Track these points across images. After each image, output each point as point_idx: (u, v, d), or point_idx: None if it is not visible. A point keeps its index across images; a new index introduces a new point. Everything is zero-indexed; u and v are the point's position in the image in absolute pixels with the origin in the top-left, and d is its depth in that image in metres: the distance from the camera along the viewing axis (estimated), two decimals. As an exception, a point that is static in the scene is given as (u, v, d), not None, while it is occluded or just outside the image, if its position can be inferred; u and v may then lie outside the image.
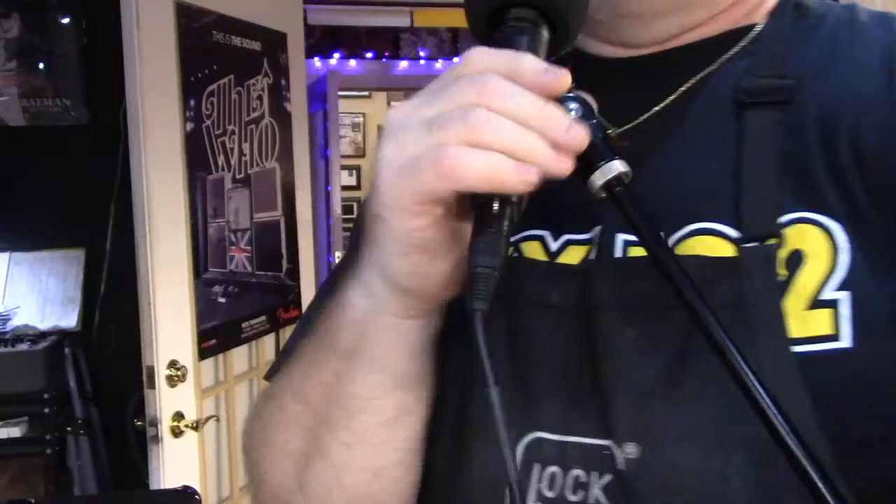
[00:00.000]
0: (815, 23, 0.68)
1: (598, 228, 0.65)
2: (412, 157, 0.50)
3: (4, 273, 3.03)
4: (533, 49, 0.53)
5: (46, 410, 2.78)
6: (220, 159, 2.52)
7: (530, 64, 0.51)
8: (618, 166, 0.53)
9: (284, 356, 0.74)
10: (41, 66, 2.90)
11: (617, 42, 0.70)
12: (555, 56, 0.56)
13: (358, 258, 0.60)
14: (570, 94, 0.53)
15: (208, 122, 2.46)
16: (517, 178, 0.49)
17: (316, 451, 0.65)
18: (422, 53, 5.76)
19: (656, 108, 0.67)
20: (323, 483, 0.65)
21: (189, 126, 2.38)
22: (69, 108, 2.93)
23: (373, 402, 0.62)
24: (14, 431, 2.76)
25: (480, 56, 0.52)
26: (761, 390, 0.48)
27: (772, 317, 0.56)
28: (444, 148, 0.49)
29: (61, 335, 2.97)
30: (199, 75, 2.43)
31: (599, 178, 0.53)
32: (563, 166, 0.51)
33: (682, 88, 0.67)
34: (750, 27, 0.68)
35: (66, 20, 2.92)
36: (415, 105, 0.52)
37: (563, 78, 0.51)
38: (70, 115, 2.95)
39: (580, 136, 0.50)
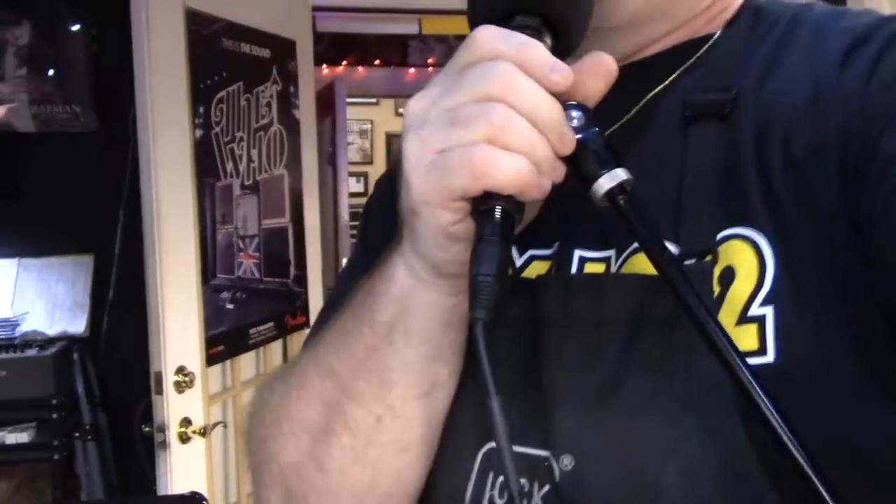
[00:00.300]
0: (769, 28, 0.68)
1: (557, 244, 0.66)
2: (440, 155, 0.51)
3: (13, 279, 3.04)
4: None
5: (54, 416, 2.78)
6: (229, 166, 2.53)
7: (539, 56, 0.51)
8: (621, 174, 0.53)
9: (311, 337, 0.74)
10: (51, 72, 2.91)
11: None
12: None
13: (399, 243, 0.61)
14: (572, 103, 0.53)
15: (217, 129, 2.47)
16: (537, 183, 0.51)
17: (342, 425, 0.65)
18: (430, 60, 5.77)
19: (618, 124, 0.67)
20: (346, 458, 0.65)
21: (198, 133, 2.38)
22: (79, 114, 2.95)
23: (409, 374, 0.63)
24: (22, 437, 2.77)
25: (490, 39, 0.52)
26: (768, 403, 0.48)
27: None
28: (474, 148, 0.49)
29: (70, 341, 2.98)
30: (209, 82, 2.44)
31: (603, 185, 0.53)
32: (561, 173, 0.52)
33: (641, 103, 0.67)
34: (708, 37, 0.69)
35: (75, 27, 2.94)
36: (434, 96, 0.53)
37: (568, 77, 0.51)
38: (79, 121, 2.96)
39: (572, 145, 0.52)
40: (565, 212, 0.63)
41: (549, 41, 0.55)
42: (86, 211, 3.05)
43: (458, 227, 0.53)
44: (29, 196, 3.05)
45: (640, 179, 0.59)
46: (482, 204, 0.51)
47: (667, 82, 0.67)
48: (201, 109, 2.40)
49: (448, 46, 4.62)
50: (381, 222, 0.76)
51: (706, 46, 0.68)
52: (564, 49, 0.56)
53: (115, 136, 2.88)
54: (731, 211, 0.59)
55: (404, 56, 5.88)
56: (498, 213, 0.50)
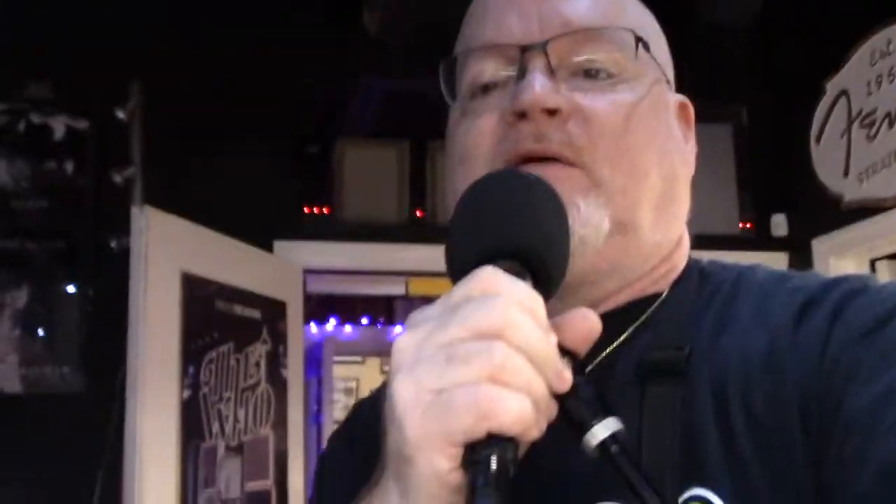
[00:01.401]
0: (715, 289, 0.71)
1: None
2: (440, 395, 0.48)
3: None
4: None
5: None
6: (215, 426, 2.49)
7: (537, 298, 0.52)
8: (613, 424, 0.53)
9: None
10: (40, 332, 2.95)
11: None
12: None
13: (379, 497, 0.55)
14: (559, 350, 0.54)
15: (206, 389, 2.47)
16: (537, 423, 0.49)
17: None
18: (416, 319, 5.89)
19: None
20: None
21: (186, 393, 2.38)
22: (66, 375, 2.94)
23: None
24: None
25: (494, 278, 0.51)
26: None
27: None
28: (478, 387, 0.47)
29: None
30: (200, 342, 2.48)
31: (597, 435, 0.52)
32: (554, 411, 0.51)
33: (596, 361, 0.68)
34: (656, 296, 0.72)
35: (71, 289, 3.01)
36: (426, 331, 0.50)
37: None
38: (65, 382, 2.95)
39: (568, 382, 0.51)
40: None
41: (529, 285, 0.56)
42: (63, 473, 2.95)
43: (454, 475, 0.49)
44: (4, 458, 2.96)
45: None
46: (477, 450, 0.47)
47: (620, 340, 0.70)
48: (191, 370, 2.41)
49: (434, 306, 4.73)
50: (338, 483, 0.75)
51: (656, 304, 0.72)
52: (544, 292, 0.57)
53: (101, 396, 2.86)
54: (692, 472, 0.60)
55: (390, 314, 6.01)
56: (494, 462, 0.47)
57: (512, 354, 0.48)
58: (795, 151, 3.38)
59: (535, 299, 0.52)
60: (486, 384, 0.47)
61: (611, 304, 0.72)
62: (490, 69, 0.72)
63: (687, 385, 0.63)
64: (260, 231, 3.04)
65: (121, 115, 2.65)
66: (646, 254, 0.72)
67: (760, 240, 3.60)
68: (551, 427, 0.52)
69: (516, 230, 0.57)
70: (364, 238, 3.30)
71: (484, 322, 0.49)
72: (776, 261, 3.52)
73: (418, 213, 3.43)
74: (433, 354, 0.49)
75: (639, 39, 0.71)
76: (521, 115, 0.68)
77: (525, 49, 0.69)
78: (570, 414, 0.53)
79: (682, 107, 0.79)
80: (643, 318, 0.71)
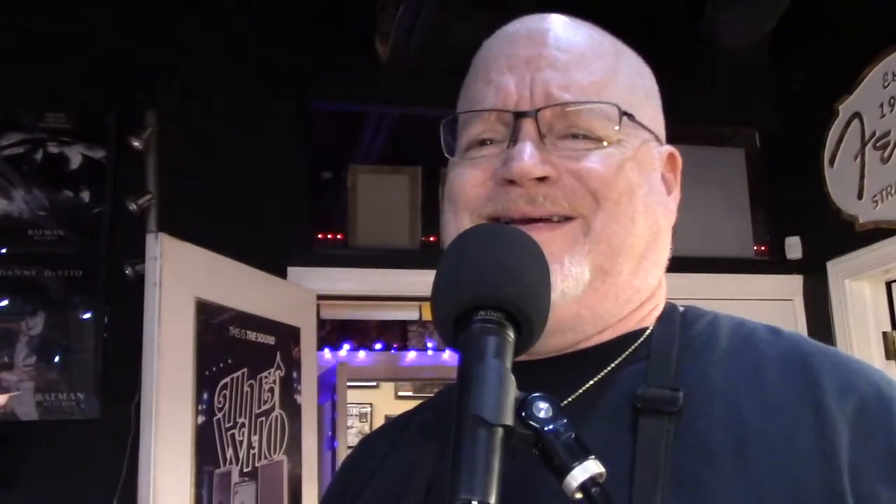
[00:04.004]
0: (707, 331, 0.76)
1: None
2: None
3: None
4: (500, 349, 0.56)
5: None
6: (229, 452, 2.49)
7: None
8: (593, 467, 0.54)
9: None
10: (56, 359, 2.96)
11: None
12: (518, 356, 0.59)
13: None
14: (539, 395, 0.56)
15: (220, 415, 2.47)
16: None
17: None
18: (429, 344, 5.89)
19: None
20: None
21: (200, 419, 2.38)
22: (81, 401, 2.95)
23: None
24: None
25: None
26: None
27: None
28: None
29: None
30: (214, 369, 2.48)
31: (577, 478, 0.53)
32: None
33: (579, 391, 0.73)
34: (642, 331, 0.77)
35: (87, 316, 3.03)
36: None
37: None
38: (80, 408, 2.96)
39: None
40: None
41: (511, 334, 0.58)
42: (79, 502, 2.95)
43: None
44: (19, 486, 2.97)
45: None
46: None
47: (607, 370, 0.74)
48: (205, 396, 2.42)
49: (447, 331, 4.72)
50: None
51: (642, 339, 0.76)
52: (526, 341, 0.60)
53: (116, 423, 2.86)
54: (685, 500, 0.62)
55: (404, 340, 6.01)
56: None
57: None
58: (809, 174, 3.37)
59: None
60: None
61: (593, 342, 0.76)
62: (488, 129, 0.78)
63: (682, 424, 0.67)
64: (273, 258, 3.05)
65: (136, 144, 2.67)
66: (624, 298, 0.76)
67: (775, 263, 3.58)
68: (533, 469, 0.55)
69: (500, 282, 0.60)
70: (377, 264, 3.30)
71: None
72: (791, 283, 3.50)
73: (431, 239, 3.44)
74: None
75: (623, 113, 0.76)
76: (511, 181, 0.74)
77: (518, 115, 0.75)
78: (551, 458, 0.54)
79: (670, 157, 0.84)
80: (628, 352, 0.75)
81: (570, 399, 0.72)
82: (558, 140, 0.76)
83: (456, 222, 0.77)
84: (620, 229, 0.74)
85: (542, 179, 0.73)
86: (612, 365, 0.74)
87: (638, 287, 0.77)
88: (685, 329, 0.76)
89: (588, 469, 0.53)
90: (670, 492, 0.62)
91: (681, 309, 0.80)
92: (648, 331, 0.76)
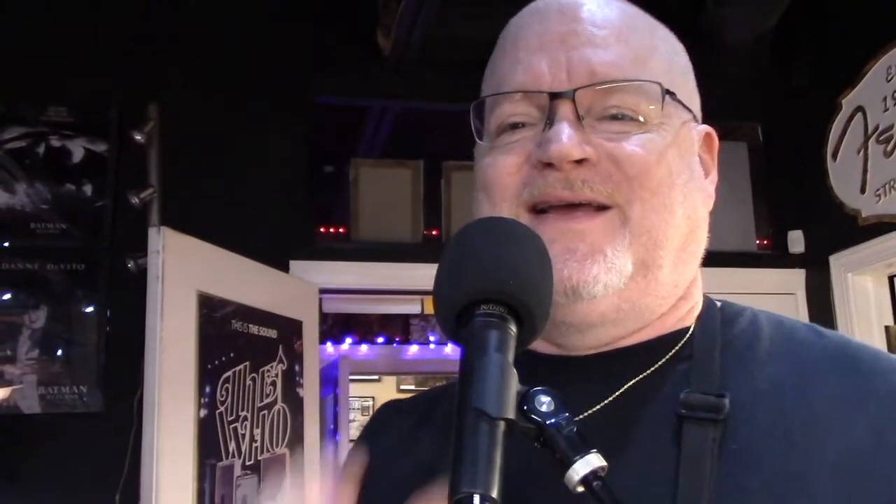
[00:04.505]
0: (749, 330, 0.74)
1: None
2: None
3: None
4: (502, 342, 0.56)
5: None
6: (231, 445, 2.50)
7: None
8: (594, 460, 0.54)
9: None
10: (59, 352, 2.97)
11: (557, 344, 0.75)
12: (520, 350, 0.58)
13: None
14: (541, 388, 0.56)
15: (222, 409, 2.48)
16: None
17: None
18: (431, 338, 5.89)
19: (593, 409, 0.70)
20: None
21: (203, 412, 2.39)
22: (84, 395, 2.96)
23: None
24: None
25: None
26: None
27: None
28: None
29: None
30: (216, 362, 2.49)
31: (578, 471, 0.54)
32: None
33: (619, 392, 0.70)
34: (683, 331, 0.74)
35: (89, 310, 3.04)
36: None
37: None
38: (83, 402, 2.97)
39: None
40: None
41: (513, 328, 0.58)
42: (81, 497, 2.96)
43: None
44: (24, 480, 2.98)
45: (627, 468, 0.60)
46: None
47: (650, 370, 0.72)
48: (207, 389, 2.42)
49: (449, 325, 4.73)
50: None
51: (684, 340, 0.73)
52: (528, 334, 0.59)
53: (118, 417, 2.87)
54: None
55: (406, 333, 6.01)
56: None
57: None
58: (812, 168, 3.37)
59: None
60: None
61: (633, 340, 0.74)
62: (520, 112, 0.74)
63: (726, 432, 0.65)
64: (276, 251, 3.06)
65: (138, 137, 2.67)
66: (663, 293, 0.73)
67: (777, 257, 3.58)
68: (538, 464, 0.54)
69: (502, 276, 0.59)
70: (379, 257, 3.30)
71: None
72: (794, 277, 3.50)
73: (433, 233, 3.43)
74: None
75: (665, 91, 0.73)
76: (549, 165, 0.70)
77: (554, 96, 0.71)
78: (553, 451, 0.54)
79: (706, 137, 0.80)
80: (671, 353, 0.73)
81: (609, 399, 0.70)
82: (596, 122, 0.72)
83: (489, 209, 0.74)
84: (660, 221, 0.71)
85: (580, 162, 0.70)
86: (654, 367, 0.72)
87: (676, 281, 0.74)
88: (726, 327, 0.74)
89: (590, 462, 0.54)
90: (715, 499, 0.61)
91: (718, 304, 0.78)
92: (690, 331, 0.74)
